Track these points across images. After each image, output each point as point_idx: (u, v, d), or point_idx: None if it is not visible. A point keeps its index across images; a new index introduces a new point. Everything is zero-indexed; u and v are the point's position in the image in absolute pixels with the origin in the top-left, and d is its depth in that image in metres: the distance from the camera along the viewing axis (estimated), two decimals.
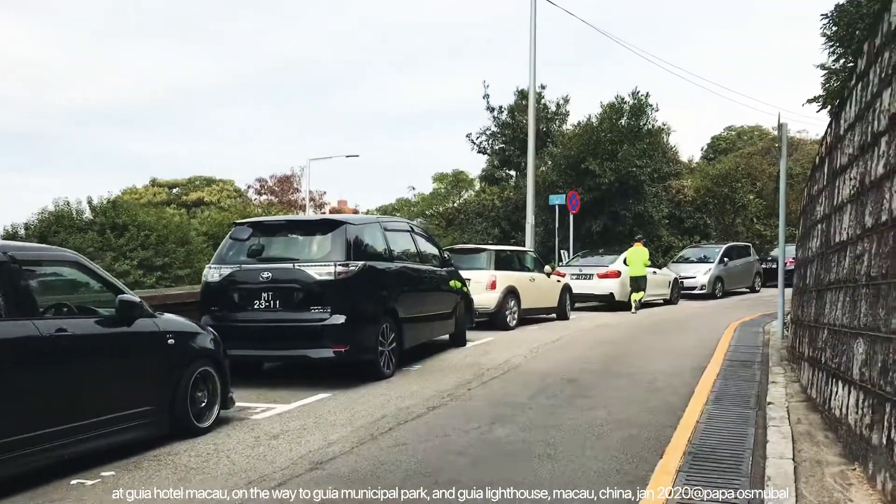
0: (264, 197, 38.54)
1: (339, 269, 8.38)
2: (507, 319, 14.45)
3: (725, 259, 24.53)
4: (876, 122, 5.15)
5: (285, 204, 38.06)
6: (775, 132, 37.07)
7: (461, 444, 5.86)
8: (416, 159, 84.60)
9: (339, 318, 8.31)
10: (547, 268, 16.31)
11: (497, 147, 31.73)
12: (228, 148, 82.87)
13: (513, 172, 34.05)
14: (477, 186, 37.96)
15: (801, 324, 8.74)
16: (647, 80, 75.45)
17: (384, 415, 7.07)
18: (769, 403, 7.04)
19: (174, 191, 46.60)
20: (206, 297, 8.81)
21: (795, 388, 7.77)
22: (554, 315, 16.56)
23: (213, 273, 8.76)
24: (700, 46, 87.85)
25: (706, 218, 31.40)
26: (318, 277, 8.33)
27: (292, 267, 8.46)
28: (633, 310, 18.32)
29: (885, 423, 4.27)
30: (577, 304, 19.90)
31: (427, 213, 38.82)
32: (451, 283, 11.68)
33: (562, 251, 23.88)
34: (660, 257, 28.29)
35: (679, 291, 22.23)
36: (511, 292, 14.60)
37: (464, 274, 14.01)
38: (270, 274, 8.45)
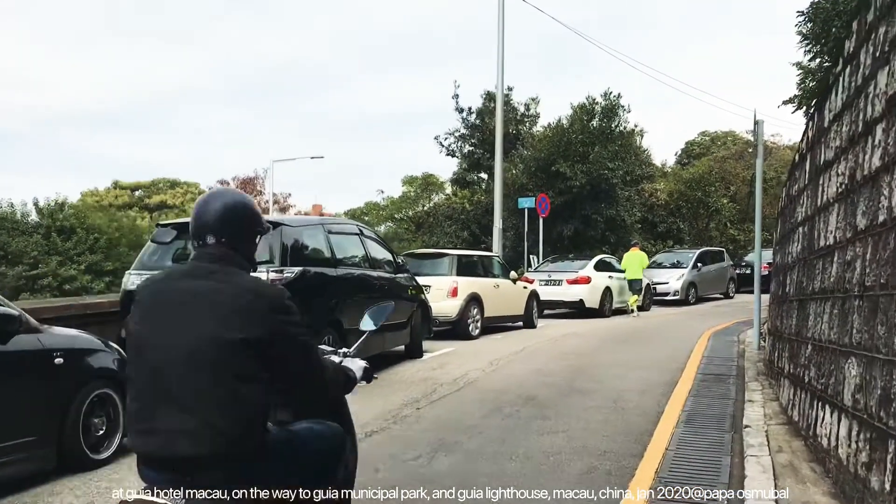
0: None
1: (273, 275, 7.55)
2: (470, 328, 13.67)
3: (699, 264, 23.99)
4: (869, 108, 4.43)
5: None
6: (749, 136, 36.71)
7: (391, 481, 5.05)
8: (385, 163, 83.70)
9: None
10: (513, 274, 15.57)
11: (466, 150, 30.98)
12: (201, 150, 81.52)
13: (484, 175, 33.35)
14: (448, 190, 37.20)
15: (779, 336, 8.03)
16: (620, 83, 75.00)
17: None
18: (746, 427, 6.31)
19: (136, 193, 45.34)
20: (126, 308, 7.93)
21: (774, 407, 7.05)
22: (521, 323, 15.81)
23: (132, 280, 7.90)
24: (673, 50, 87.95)
25: (679, 222, 30.91)
26: None
27: None
28: (634, 313, 18.80)
29: (888, 465, 3.53)
30: (545, 312, 19.24)
31: (396, 216, 38.01)
32: (407, 290, 10.89)
33: (531, 256, 23.18)
34: None
35: (652, 297, 21.63)
36: (474, 300, 13.83)
37: (424, 280, 13.26)
38: None
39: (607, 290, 18.92)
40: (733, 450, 5.79)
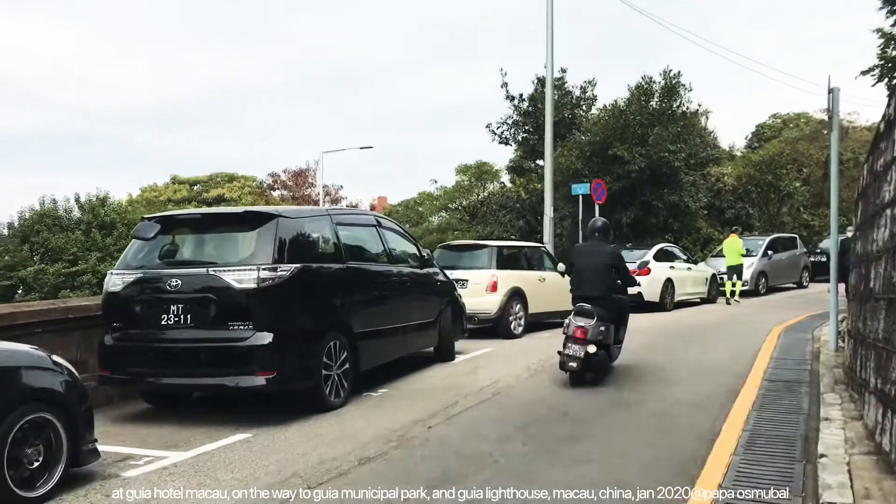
0: (277, 192, 36.96)
1: (265, 273, 6.61)
2: (512, 326, 12.58)
3: (769, 252, 22.35)
4: None
5: (299, 199, 36.45)
6: (824, 115, 34.44)
7: None
8: (441, 154, 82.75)
9: (265, 337, 6.55)
10: (561, 266, 14.33)
11: (520, 137, 29.68)
12: (261, 145, 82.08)
13: (540, 163, 31.97)
14: (504, 178, 36.02)
15: (863, 341, 6.71)
16: (685, 65, 72.17)
17: (295, 472, 5.28)
18: (821, 456, 5.08)
19: (195, 188, 45.45)
20: (108, 311, 7.12)
21: (858, 429, 5.79)
22: None
23: (114, 280, 7.05)
24: (742, 29, 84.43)
25: (748, 208, 29.04)
26: (236, 286, 6.57)
27: (205, 272, 6.70)
28: (732, 299, 18.62)
29: None
30: None
31: (450, 206, 37.01)
32: (434, 287, 9.87)
33: None
34: (697, 251, 26.12)
35: (718, 288, 20.12)
36: (516, 295, 12.72)
37: (461, 274, 12.27)
38: (179, 282, 6.71)
39: (668, 281, 17.55)
40: (805, 489, 4.61)
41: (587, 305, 8.20)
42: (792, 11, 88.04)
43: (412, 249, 9.67)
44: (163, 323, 6.73)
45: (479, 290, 12.40)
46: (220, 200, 41.18)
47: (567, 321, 8.24)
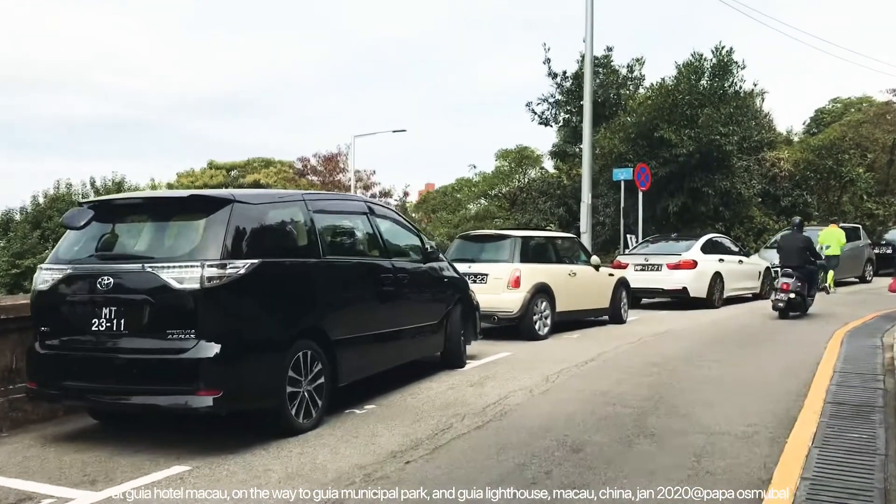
0: (308, 178, 35.91)
1: (212, 271, 5.45)
2: (536, 327, 11.27)
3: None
4: None
5: (329, 185, 35.36)
6: (890, 95, 32.08)
7: None
8: (483, 141, 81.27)
9: (210, 348, 5.39)
10: (595, 259, 13.00)
11: (562, 118, 28.17)
12: (303, 132, 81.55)
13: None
14: (547, 164, 34.49)
15: None
16: (740, 45, 69.48)
17: None
18: None
19: (232, 173, 44.86)
20: (36, 313, 6.04)
21: None
22: (606, 318, 13.27)
23: (43, 277, 5.95)
24: (800, 7, 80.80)
25: (807, 195, 27.08)
26: (176, 286, 5.42)
27: (141, 269, 5.58)
28: (833, 290, 18.57)
29: None
30: (644, 301, 16.62)
31: (490, 192, 35.64)
32: (440, 283, 8.64)
33: (628, 236, 20.39)
34: (751, 242, 24.38)
35: (772, 283, 18.45)
36: (542, 291, 11.40)
37: (480, 268, 11.08)
38: (111, 280, 5.59)
39: (717, 276, 16.03)
40: None
41: (789, 269, 13.29)
42: None
43: (413, 241, 8.44)
44: (93, 329, 5.62)
45: (500, 285, 11.13)
46: (255, 186, 40.47)
47: (777, 281, 13.76)
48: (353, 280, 6.96)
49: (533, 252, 11.78)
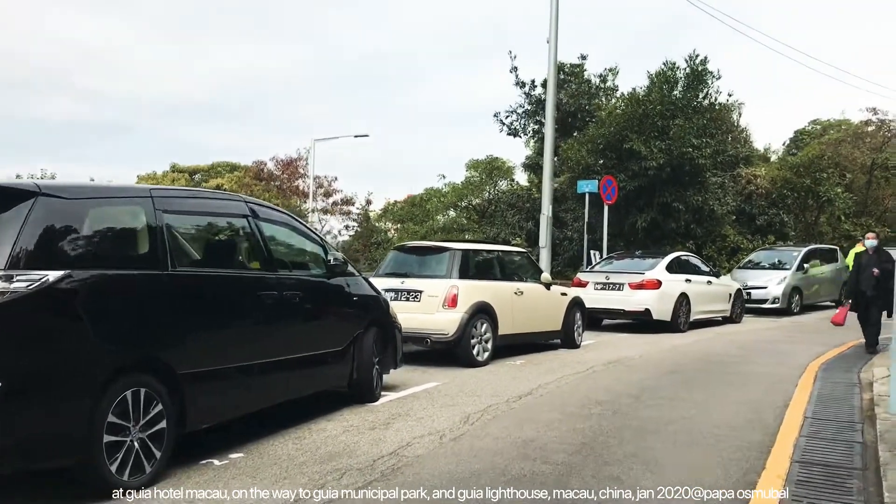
0: (264, 183, 34.32)
1: None
2: (475, 352, 9.98)
3: (805, 265, 19.49)
4: None
5: (287, 191, 33.76)
6: (869, 115, 31.23)
7: None
8: (453, 151, 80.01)
9: None
10: (545, 276, 11.74)
11: (531, 129, 27.03)
12: (274, 136, 79.99)
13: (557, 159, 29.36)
14: (519, 176, 33.35)
15: None
16: (722, 61, 68.42)
17: None
18: None
19: (195, 177, 43.30)
20: None
21: None
22: (559, 341, 12.01)
23: None
24: (786, 26, 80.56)
25: (783, 214, 26.08)
26: None
27: None
28: None
29: None
30: (604, 322, 15.43)
31: (460, 204, 34.39)
32: (348, 303, 7.34)
33: (592, 252, 19.19)
34: (723, 262, 23.31)
35: (743, 306, 17.37)
36: (482, 312, 10.12)
37: (413, 284, 9.85)
38: None
39: (683, 297, 14.84)
40: None
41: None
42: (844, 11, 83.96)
43: (312, 251, 7.13)
44: None
45: (435, 304, 9.86)
46: (218, 190, 38.98)
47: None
48: (217, 298, 5.63)
49: (474, 267, 10.50)
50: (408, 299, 10.02)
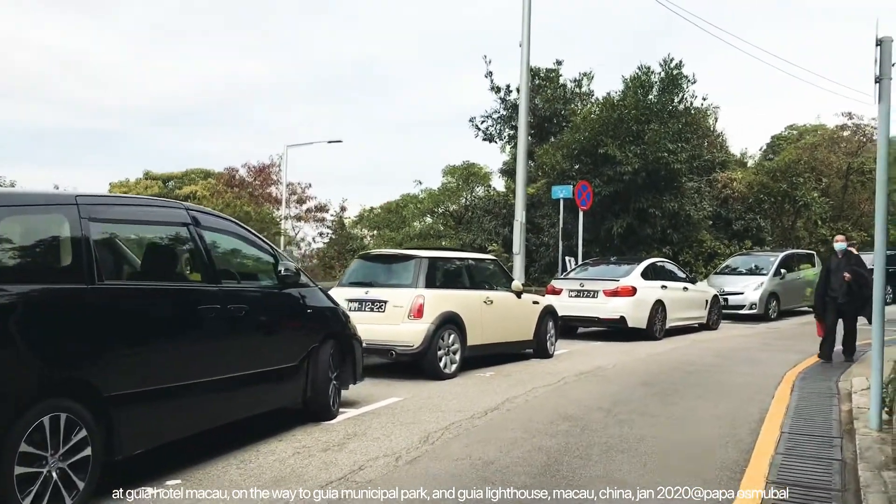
0: (235, 190, 33.63)
1: None
2: (442, 364, 9.60)
3: (782, 270, 19.34)
4: None
5: (259, 198, 33.11)
6: (844, 119, 31.19)
7: None
8: (431, 157, 79.85)
9: None
10: (516, 284, 11.38)
11: (507, 134, 26.77)
12: (251, 142, 79.26)
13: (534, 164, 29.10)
14: (497, 182, 33.08)
15: None
16: (700, 68, 68.54)
17: None
18: None
19: (169, 184, 42.65)
20: None
21: None
22: (531, 351, 11.66)
23: None
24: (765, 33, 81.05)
25: (759, 219, 25.96)
26: None
27: None
28: None
29: None
30: (580, 331, 15.14)
31: (437, 210, 34.04)
32: (301, 316, 6.94)
33: (567, 259, 18.89)
34: (700, 267, 23.10)
35: (720, 312, 17.13)
36: (449, 322, 9.74)
37: (377, 294, 9.52)
38: None
39: (659, 304, 14.56)
40: None
41: None
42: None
43: (262, 261, 6.73)
44: None
45: (400, 314, 9.47)
46: (190, 197, 38.37)
47: None
48: (150, 313, 5.21)
49: (442, 275, 10.14)
50: (372, 310, 9.63)
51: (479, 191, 33.82)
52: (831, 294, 11.05)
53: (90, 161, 73.91)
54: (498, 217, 27.48)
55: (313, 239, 32.89)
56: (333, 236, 30.90)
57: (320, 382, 6.99)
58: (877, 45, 6.24)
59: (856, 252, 11.74)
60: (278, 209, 31.49)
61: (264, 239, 6.98)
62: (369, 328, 9.36)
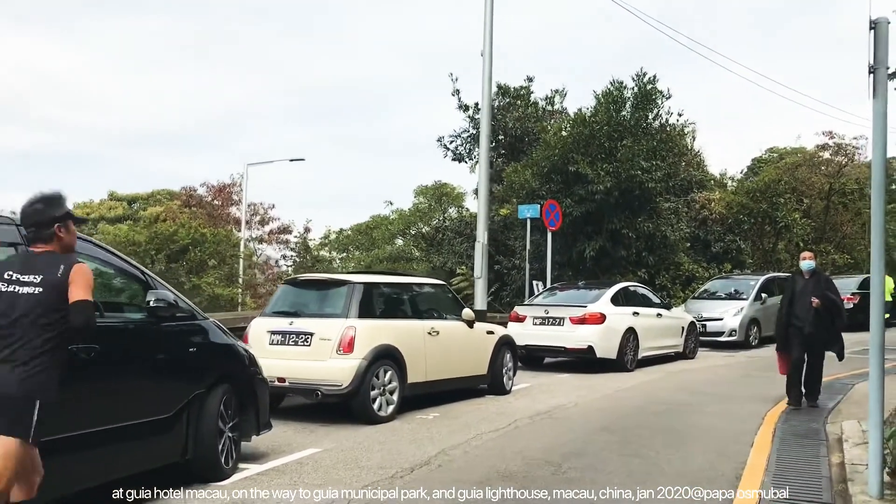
0: (193, 209, 32.29)
1: None
2: (376, 405, 8.36)
3: (763, 295, 18.29)
4: None
5: (217, 218, 31.73)
6: (825, 139, 30.40)
7: None
8: (402, 178, 78.98)
9: None
10: (467, 312, 10.19)
11: (476, 153, 25.73)
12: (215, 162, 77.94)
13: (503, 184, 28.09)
14: (469, 202, 32.06)
15: None
16: (677, 87, 67.94)
17: None
18: None
19: (134, 205, 41.28)
20: None
21: None
22: (485, 386, 10.47)
23: None
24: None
25: (739, 241, 24.97)
26: None
27: None
28: None
29: None
30: (546, 361, 13.99)
31: (408, 232, 32.93)
32: (181, 354, 5.73)
33: (535, 283, 17.76)
34: (678, 291, 22.04)
35: (697, 339, 16.03)
36: (385, 357, 8.53)
37: (303, 325, 8.36)
38: None
39: (630, 332, 13.43)
40: None
41: None
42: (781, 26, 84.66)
43: (126, 290, 5.53)
44: None
45: (328, 349, 8.26)
46: (156, 220, 37.02)
47: None
48: None
49: (378, 303, 8.95)
50: (296, 343, 8.43)
51: (453, 212, 32.82)
52: (796, 323, 9.26)
53: (57, 182, 72.19)
54: (469, 239, 26.32)
55: (276, 262, 31.66)
56: (297, 259, 29.69)
57: (206, 436, 5.76)
58: (870, 28, 5.17)
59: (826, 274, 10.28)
60: (239, 230, 30.28)
61: (134, 263, 5.75)
62: (292, 364, 8.26)
